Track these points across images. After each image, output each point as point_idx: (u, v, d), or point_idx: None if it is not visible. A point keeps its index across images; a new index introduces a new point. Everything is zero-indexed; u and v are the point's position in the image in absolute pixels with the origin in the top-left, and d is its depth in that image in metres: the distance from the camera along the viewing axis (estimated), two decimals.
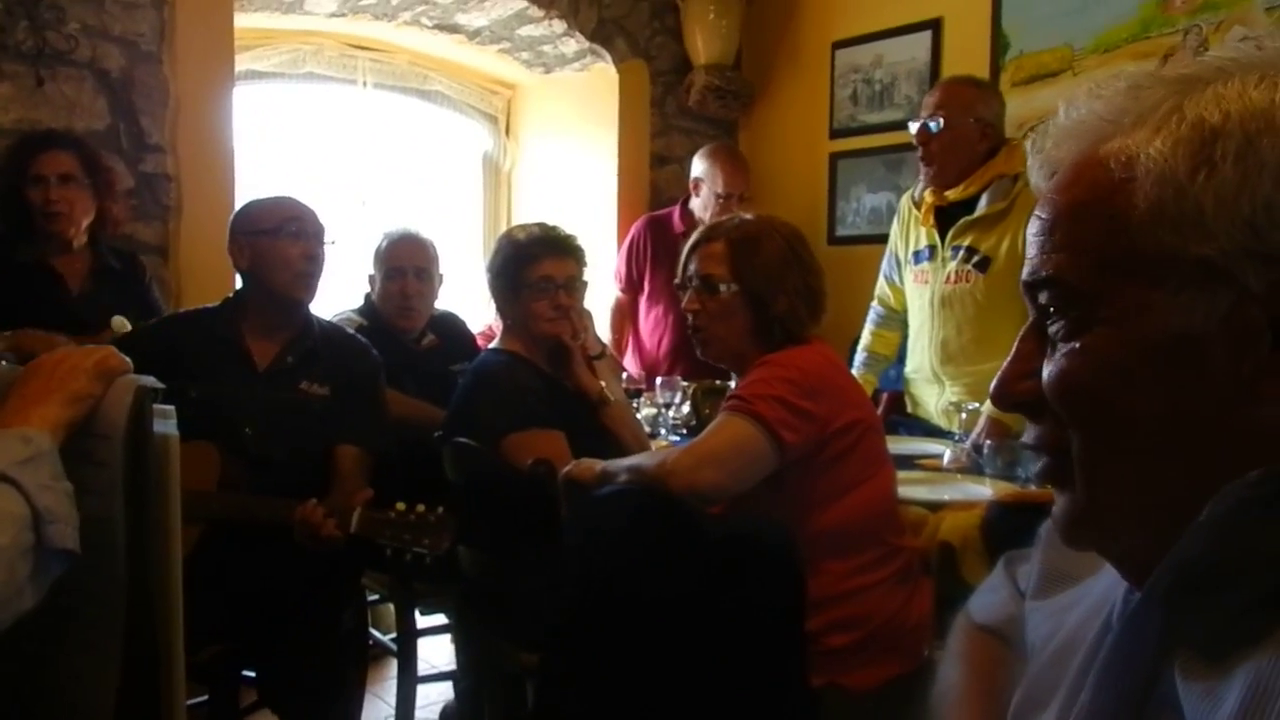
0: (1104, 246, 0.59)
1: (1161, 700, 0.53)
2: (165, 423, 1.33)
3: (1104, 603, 0.66)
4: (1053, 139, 0.65)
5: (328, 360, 2.31)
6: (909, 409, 3.15)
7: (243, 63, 3.45)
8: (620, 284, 3.91)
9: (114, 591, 1.22)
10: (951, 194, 2.81)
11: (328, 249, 2.32)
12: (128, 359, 1.30)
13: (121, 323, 2.54)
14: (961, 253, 2.78)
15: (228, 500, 2.05)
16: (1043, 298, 0.62)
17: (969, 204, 2.79)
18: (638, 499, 1.63)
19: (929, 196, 2.89)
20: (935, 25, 3.78)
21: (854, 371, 3.18)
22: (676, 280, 2.03)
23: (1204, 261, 0.55)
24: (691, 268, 1.95)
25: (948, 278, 2.83)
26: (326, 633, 2.12)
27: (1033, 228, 0.64)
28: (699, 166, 3.70)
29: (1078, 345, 0.60)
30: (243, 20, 3.31)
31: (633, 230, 3.89)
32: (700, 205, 3.66)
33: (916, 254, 2.96)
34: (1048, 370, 0.62)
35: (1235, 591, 0.50)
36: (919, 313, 2.97)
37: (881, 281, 3.21)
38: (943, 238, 2.84)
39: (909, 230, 3.01)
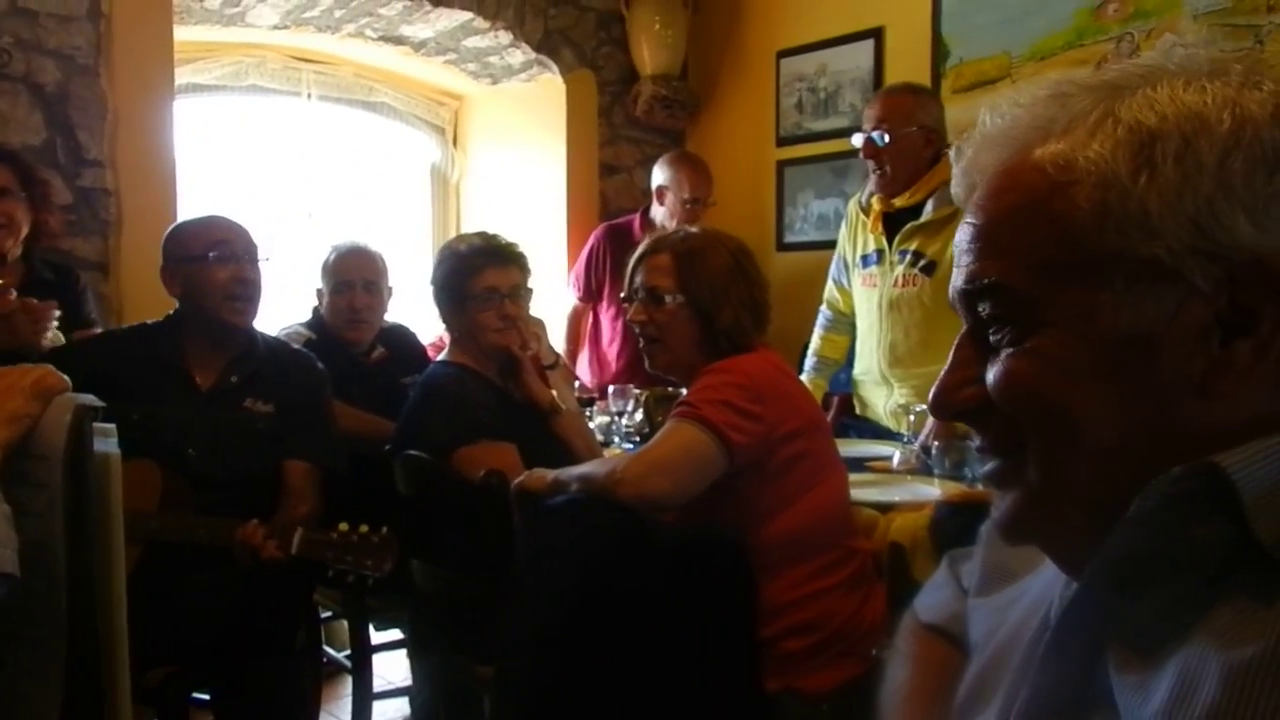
0: (1047, 250, 0.59)
1: (1096, 695, 0.54)
2: (105, 441, 1.31)
3: (1043, 600, 0.67)
4: (975, 147, 0.65)
5: (272, 377, 2.27)
6: (858, 410, 3.19)
7: (184, 75, 3.41)
8: (578, 292, 3.90)
9: (55, 614, 1.20)
10: (899, 201, 2.86)
11: (264, 266, 2.27)
12: (66, 378, 1.28)
13: (55, 336, 2.48)
14: (909, 257, 2.83)
15: (168, 520, 2.01)
16: (983, 307, 0.62)
17: (915, 209, 2.84)
18: (588, 508, 1.63)
19: (876, 204, 2.93)
20: (877, 34, 3.83)
21: (804, 376, 3.22)
22: (623, 293, 2.04)
23: (1152, 261, 0.56)
24: (638, 280, 1.96)
25: (895, 281, 2.87)
26: (281, 652, 2.08)
27: (963, 235, 0.64)
28: (662, 174, 3.68)
29: (1026, 348, 0.60)
30: (183, 33, 3.26)
31: (591, 239, 3.88)
32: (665, 213, 3.64)
33: (864, 258, 3.00)
34: (994, 374, 0.62)
35: (1164, 585, 0.52)
36: (867, 315, 3.01)
37: (830, 285, 3.24)
38: (890, 242, 2.88)
39: (856, 234, 3.05)
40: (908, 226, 2.83)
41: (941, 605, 0.89)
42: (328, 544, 1.92)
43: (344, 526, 1.93)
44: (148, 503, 2.02)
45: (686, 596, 1.58)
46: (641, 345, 1.99)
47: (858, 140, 2.91)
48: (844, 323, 3.19)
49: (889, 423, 2.98)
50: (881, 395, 3.02)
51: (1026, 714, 0.59)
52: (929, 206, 2.80)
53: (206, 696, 2.24)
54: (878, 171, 2.87)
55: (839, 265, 3.19)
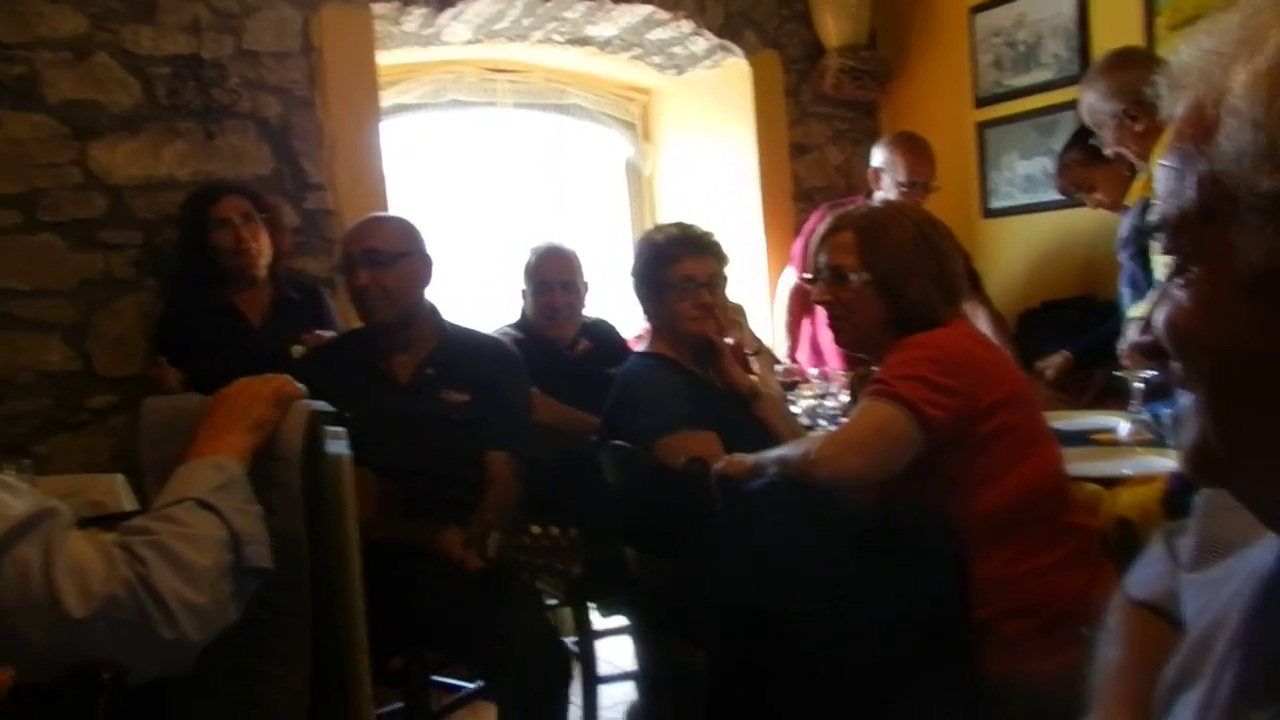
0: (1199, 188, 0.58)
1: None
2: (337, 443, 1.42)
3: (1258, 571, 0.62)
4: (1170, 81, 0.63)
5: (465, 366, 2.38)
6: None
7: (389, 97, 3.63)
8: (798, 271, 3.84)
9: (301, 603, 1.31)
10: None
11: (407, 265, 2.34)
12: (301, 385, 1.39)
13: (300, 352, 2.70)
14: None
15: (378, 524, 2.09)
16: (1161, 241, 0.63)
17: None
18: (787, 491, 1.63)
19: None
20: None
21: None
22: (808, 274, 2.01)
23: (1276, 196, 0.53)
24: (822, 259, 1.93)
25: None
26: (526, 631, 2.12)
27: (1158, 171, 0.64)
28: (878, 157, 3.52)
29: (1180, 283, 0.60)
30: (386, 58, 3.47)
31: (812, 218, 3.78)
32: (880, 198, 3.46)
33: None
34: (1159, 310, 0.62)
35: None
36: None
37: None
38: None
39: None
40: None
41: (1154, 581, 0.84)
42: (521, 548, 1.96)
43: (535, 529, 1.96)
44: (364, 509, 2.12)
45: (893, 577, 1.54)
46: (827, 323, 1.96)
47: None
48: None
49: None
50: None
51: (1237, 691, 0.56)
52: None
53: (449, 680, 2.39)
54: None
55: None
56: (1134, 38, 3.38)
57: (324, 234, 3.21)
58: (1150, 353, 0.63)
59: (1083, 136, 3.05)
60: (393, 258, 2.31)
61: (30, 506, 1.06)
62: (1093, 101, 2.79)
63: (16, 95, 2.78)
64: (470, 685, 2.57)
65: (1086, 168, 3.13)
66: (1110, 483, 2.00)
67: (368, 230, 2.39)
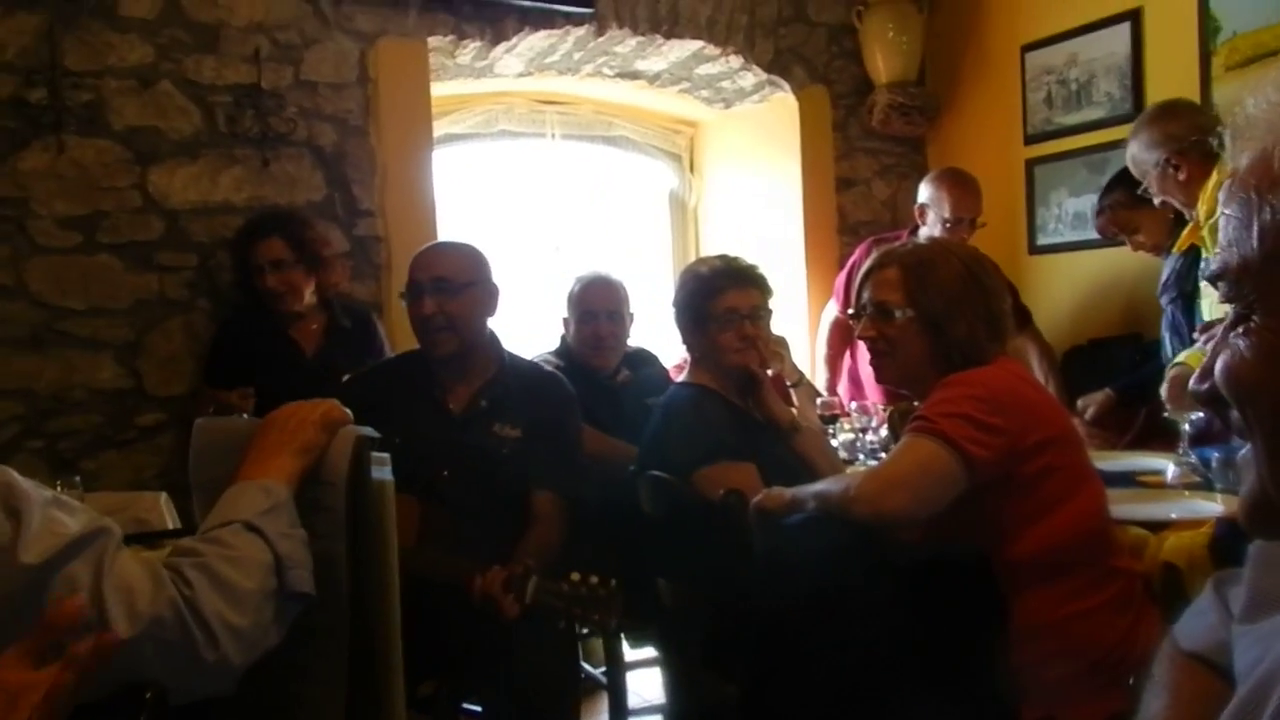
0: (1261, 237, 0.58)
1: None
2: (381, 469, 1.44)
3: None
4: (1234, 132, 0.63)
5: (519, 401, 2.34)
6: None
7: (441, 127, 3.69)
8: (839, 305, 3.84)
9: (339, 626, 1.32)
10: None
11: (470, 294, 2.30)
12: (348, 410, 1.41)
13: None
14: None
15: (415, 555, 2.04)
16: (1220, 289, 0.63)
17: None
18: (825, 527, 1.62)
19: None
20: (1134, 15, 3.58)
21: None
22: (851, 310, 2.00)
23: None
24: (866, 295, 1.92)
25: None
26: (548, 662, 2.13)
27: (1220, 220, 0.64)
28: (924, 192, 3.49)
29: (1242, 332, 0.60)
30: (439, 89, 3.54)
31: (856, 252, 3.76)
32: (925, 234, 3.43)
33: None
34: (1219, 358, 0.62)
35: None
36: None
37: None
38: None
39: None
40: None
41: (1204, 632, 0.82)
42: (559, 594, 1.93)
43: (575, 576, 1.93)
44: (405, 537, 2.12)
45: (931, 617, 1.52)
46: (870, 359, 1.95)
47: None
48: None
49: None
50: None
51: None
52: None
53: (477, 708, 2.39)
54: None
55: None
56: (1189, 77, 3.35)
57: (373, 260, 3.27)
58: (1208, 400, 0.63)
59: (1125, 179, 3.05)
60: (460, 287, 2.28)
61: (84, 525, 1.08)
62: (1136, 152, 2.83)
63: (83, 121, 2.87)
64: None
65: (1130, 210, 3.14)
66: (1156, 526, 1.96)
67: (435, 258, 2.36)
